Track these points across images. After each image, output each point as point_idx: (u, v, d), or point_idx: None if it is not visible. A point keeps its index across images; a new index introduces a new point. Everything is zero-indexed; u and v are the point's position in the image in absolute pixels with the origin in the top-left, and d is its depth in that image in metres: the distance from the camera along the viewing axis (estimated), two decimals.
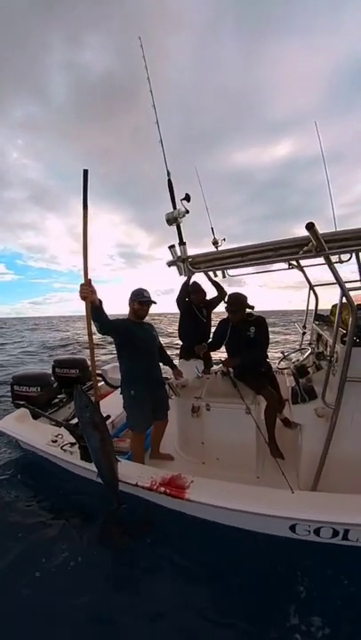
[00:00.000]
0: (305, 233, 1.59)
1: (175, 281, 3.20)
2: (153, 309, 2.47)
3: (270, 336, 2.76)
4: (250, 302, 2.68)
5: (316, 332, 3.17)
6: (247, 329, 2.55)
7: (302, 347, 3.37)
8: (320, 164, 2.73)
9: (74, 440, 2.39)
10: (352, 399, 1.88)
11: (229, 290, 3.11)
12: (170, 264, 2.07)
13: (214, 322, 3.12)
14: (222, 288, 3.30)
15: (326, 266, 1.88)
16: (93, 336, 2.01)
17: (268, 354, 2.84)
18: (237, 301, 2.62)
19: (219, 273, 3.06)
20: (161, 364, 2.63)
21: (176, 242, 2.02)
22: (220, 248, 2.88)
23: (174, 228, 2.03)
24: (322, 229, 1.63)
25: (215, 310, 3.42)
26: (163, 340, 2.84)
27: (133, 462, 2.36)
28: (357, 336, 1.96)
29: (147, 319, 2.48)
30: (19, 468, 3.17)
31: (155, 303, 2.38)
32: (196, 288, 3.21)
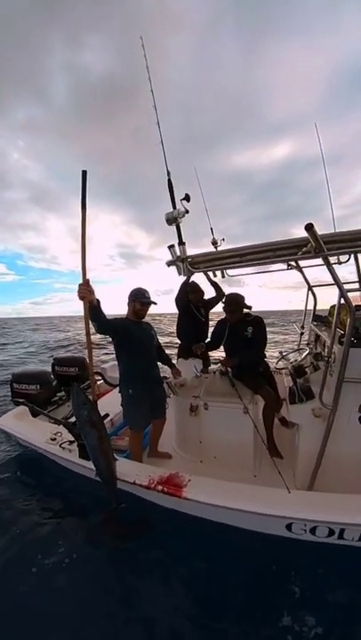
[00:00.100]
0: (304, 234, 1.59)
1: (175, 281, 3.19)
2: (153, 309, 2.47)
3: (269, 336, 2.76)
4: (249, 302, 2.68)
5: (315, 333, 3.17)
6: (245, 329, 2.55)
7: (300, 347, 3.36)
8: (319, 164, 2.73)
9: (72, 438, 2.39)
10: (349, 399, 1.88)
11: (229, 290, 3.11)
12: (169, 264, 2.07)
13: (213, 321, 3.11)
14: (220, 288, 3.31)
15: (325, 266, 1.88)
16: (94, 336, 2.00)
17: (267, 353, 2.84)
18: (235, 301, 2.62)
19: (218, 273, 3.06)
20: (159, 363, 2.63)
21: (176, 242, 2.02)
22: (219, 248, 2.88)
23: (174, 228, 2.03)
24: (321, 230, 1.63)
25: (214, 310, 3.42)
26: (163, 340, 2.84)
27: (131, 460, 2.36)
28: (355, 337, 1.95)
29: (147, 319, 2.49)
30: (17, 466, 3.17)
31: (155, 304, 2.38)
32: (195, 288, 3.21)
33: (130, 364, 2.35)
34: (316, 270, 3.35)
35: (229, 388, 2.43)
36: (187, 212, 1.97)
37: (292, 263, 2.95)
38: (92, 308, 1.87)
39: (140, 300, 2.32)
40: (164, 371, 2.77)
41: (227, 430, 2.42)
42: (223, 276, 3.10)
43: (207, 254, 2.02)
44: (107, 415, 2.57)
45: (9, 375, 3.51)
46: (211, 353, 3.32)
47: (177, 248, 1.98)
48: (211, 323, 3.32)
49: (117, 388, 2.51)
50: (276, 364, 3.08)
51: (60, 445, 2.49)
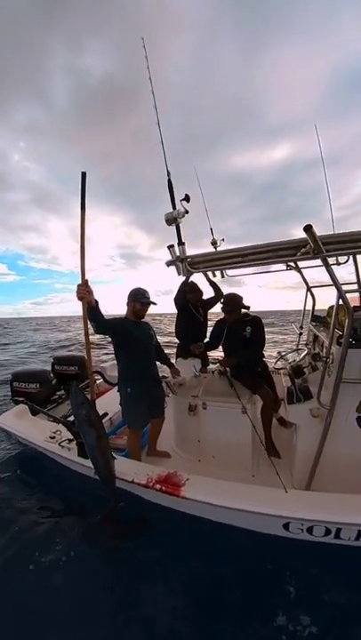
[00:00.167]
0: (303, 235, 1.59)
1: (174, 281, 3.19)
2: (154, 310, 2.49)
3: (269, 336, 2.76)
4: (249, 302, 2.68)
5: (313, 333, 3.17)
6: (243, 329, 2.55)
7: (299, 347, 3.36)
8: (318, 166, 2.73)
9: (72, 436, 2.39)
10: (347, 400, 1.89)
11: (229, 290, 3.11)
12: (169, 264, 2.06)
13: (212, 321, 3.11)
14: (219, 288, 3.31)
15: (324, 267, 1.88)
16: (95, 336, 2.01)
17: (266, 353, 2.84)
18: (233, 302, 2.62)
19: (217, 273, 3.06)
20: (159, 363, 2.63)
21: (175, 242, 2.02)
22: (218, 249, 2.87)
23: (174, 228, 2.03)
24: (320, 231, 1.63)
25: (213, 310, 3.42)
26: (163, 340, 2.84)
27: (130, 459, 2.36)
28: (353, 338, 1.95)
29: (147, 319, 2.49)
30: (17, 464, 3.17)
31: (155, 304, 2.39)
32: (193, 287, 3.21)
33: (129, 364, 2.35)
34: (315, 271, 3.35)
35: (228, 388, 2.43)
36: (186, 212, 1.96)
37: (291, 264, 2.94)
38: (91, 309, 1.88)
39: (139, 300, 2.32)
40: (163, 370, 2.77)
41: (225, 430, 2.42)
42: (223, 276, 3.10)
43: (206, 254, 2.01)
44: (105, 414, 2.57)
45: (10, 375, 3.51)
46: (210, 352, 3.32)
47: (176, 248, 1.98)
48: (210, 323, 3.33)
49: (116, 387, 2.51)
50: (275, 364, 3.08)
51: (59, 444, 2.48)
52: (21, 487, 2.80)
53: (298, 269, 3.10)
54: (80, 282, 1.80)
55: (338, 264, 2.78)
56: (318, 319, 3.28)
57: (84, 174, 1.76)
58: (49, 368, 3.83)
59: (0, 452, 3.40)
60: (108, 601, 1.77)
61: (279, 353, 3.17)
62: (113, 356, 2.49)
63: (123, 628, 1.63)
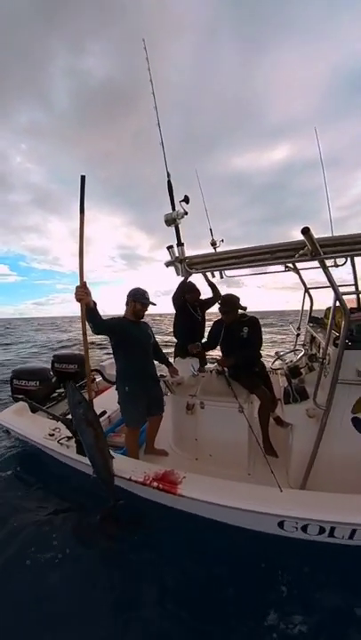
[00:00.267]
0: (302, 236, 1.59)
1: (174, 282, 3.21)
2: (154, 310, 2.50)
3: (268, 336, 2.77)
4: (248, 303, 2.68)
5: (310, 334, 3.17)
6: (240, 329, 2.55)
7: (296, 348, 3.37)
8: (317, 167, 2.73)
9: (70, 434, 2.40)
10: (342, 401, 1.89)
11: (228, 290, 3.12)
12: (168, 264, 2.06)
13: (210, 321, 3.12)
14: (217, 289, 3.31)
15: (331, 263, 1.87)
16: (97, 337, 2.02)
17: (265, 353, 2.85)
18: (230, 302, 2.62)
19: (216, 274, 3.06)
20: (157, 362, 2.64)
21: (174, 243, 2.02)
22: (218, 249, 2.88)
23: (173, 229, 2.03)
24: (318, 232, 1.63)
25: (211, 310, 3.43)
26: (163, 339, 2.85)
27: (127, 457, 2.37)
28: (350, 339, 1.96)
29: (147, 319, 2.51)
30: (16, 461, 3.19)
31: (154, 305, 2.40)
32: (191, 287, 3.21)
33: (127, 363, 2.36)
34: (313, 272, 3.36)
35: (225, 388, 2.43)
36: (186, 213, 1.97)
37: (290, 265, 2.95)
38: (89, 310, 1.89)
39: (140, 300, 2.34)
40: (162, 369, 2.78)
41: (222, 429, 2.42)
42: (221, 277, 3.11)
43: (205, 255, 2.02)
44: (104, 412, 2.57)
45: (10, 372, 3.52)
46: (209, 352, 3.32)
47: (175, 249, 1.98)
48: (209, 323, 3.33)
49: (115, 386, 2.52)
50: (272, 364, 3.09)
51: (58, 441, 2.49)
52: (20, 484, 2.81)
53: (296, 271, 3.10)
54: (78, 284, 1.81)
55: (336, 266, 2.78)
56: (316, 320, 3.28)
57: (83, 178, 1.76)
58: (49, 365, 3.83)
59: None
60: (104, 600, 1.77)
61: (277, 353, 3.17)
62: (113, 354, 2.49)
63: (117, 627, 1.64)
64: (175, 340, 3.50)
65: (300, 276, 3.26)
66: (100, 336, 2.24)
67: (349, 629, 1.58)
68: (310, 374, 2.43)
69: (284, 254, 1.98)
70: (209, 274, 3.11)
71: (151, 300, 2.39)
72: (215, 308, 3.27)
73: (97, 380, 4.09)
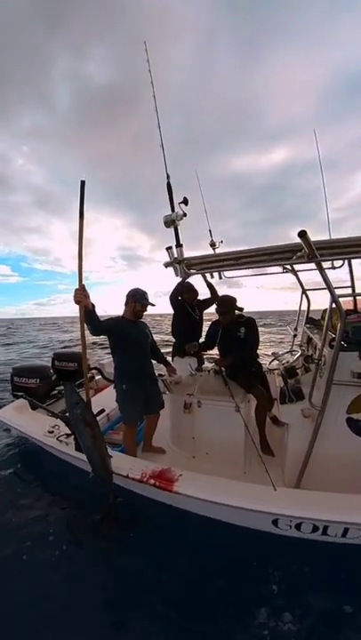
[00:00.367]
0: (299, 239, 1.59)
1: (174, 283, 3.22)
2: (155, 310, 2.54)
3: (267, 336, 2.79)
4: (247, 303, 2.69)
5: (307, 335, 3.18)
6: (238, 330, 2.56)
7: (293, 349, 3.38)
8: (315, 169, 2.74)
9: (70, 431, 2.41)
10: (337, 401, 1.90)
11: (228, 290, 3.13)
12: (167, 265, 2.07)
13: (209, 321, 3.13)
14: (215, 290, 3.32)
15: (329, 265, 1.86)
16: (98, 337, 2.05)
17: (263, 353, 2.86)
18: (227, 303, 2.63)
19: (215, 274, 3.07)
20: (155, 361, 2.65)
21: (173, 244, 2.02)
22: (217, 250, 2.88)
23: (172, 230, 2.04)
24: (316, 232, 1.64)
25: (209, 310, 3.44)
26: (163, 339, 2.86)
27: (125, 455, 2.38)
28: (345, 341, 1.97)
29: (148, 319, 2.52)
30: (15, 457, 3.20)
31: (153, 305, 2.42)
32: (189, 288, 3.22)
33: (125, 362, 2.37)
34: (312, 272, 3.36)
35: (223, 387, 2.44)
36: (185, 214, 1.97)
37: (288, 267, 2.95)
38: (88, 312, 1.91)
39: (140, 301, 2.35)
40: (160, 369, 2.79)
41: (219, 428, 2.44)
42: (220, 278, 3.12)
43: (204, 257, 2.02)
44: (103, 410, 2.59)
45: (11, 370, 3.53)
46: (208, 351, 3.33)
47: (174, 250, 1.98)
48: (208, 322, 3.35)
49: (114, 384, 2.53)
50: (270, 364, 3.10)
51: (57, 438, 2.50)
52: (19, 482, 2.81)
53: (294, 272, 3.11)
54: (77, 286, 1.83)
55: (333, 268, 2.79)
56: (313, 321, 3.29)
57: (82, 183, 1.76)
58: (49, 363, 3.84)
59: None
60: (99, 598, 1.78)
61: (274, 354, 3.18)
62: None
63: (111, 625, 1.64)
64: (174, 339, 3.51)
65: (298, 278, 3.27)
66: (101, 336, 2.25)
67: (338, 627, 1.59)
68: (307, 375, 2.44)
69: (282, 256, 1.99)
70: (208, 275, 3.12)
71: (151, 300, 2.40)
72: (212, 309, 3.29)
73: (96, 378, 4.10)
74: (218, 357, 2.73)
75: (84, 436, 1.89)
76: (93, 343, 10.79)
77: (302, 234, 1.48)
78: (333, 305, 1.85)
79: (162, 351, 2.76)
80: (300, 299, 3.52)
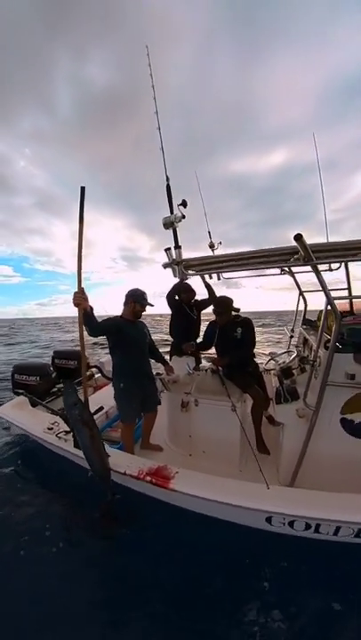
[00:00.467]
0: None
1: (174, 283, 3.22)
2: (155, 310, 2.56)
3: (266, 335, 2.79)
4: (247, 303, 2.71)
5: (303, 336, 3.19)
6: (234, 330, 2.57)
7: (289, 349, 3.39)
8: (313, 171, 2.74)
9: (69, 428, 2.42)
10: (331, 402, 1.91)
11: (228, 291, 3.14)
12: (165, 266, 2.08)
13: (207, 321, 3.14)
14: (213, 291, 3.33)
15: (326, 268, 1.86)
16: (96, 337, 2.08)
17: (262, 352, 2.86)
18: (223, 304, 2.64)
19: (214, 275, 3.07)
20: (153, 360, 2.66)
21: (172, 246, 2.03)
22: (216, 251, 2.89)
23: (171, 232, 2.04)
24: (315, 234, 1.64)
25: (207, 311, 3.44)
26: (163, 338, 2.87)
27: (123, 452, 2.39)
28: (340, 342, 1.98)
29: (148, 319, 2.53)
30: (15, 454, 3.21)
31: (152, 306, 2.43)
32: (187, 288, 3.23)
33: (123, 361, 2.39)
34: (310, 274, 3.35)
35: (219, 387, 2.45)
36: (183, 217, 1.98)
37: (285, 268, 2.96)
38: (86, 314, 1.93)
39: (140, 301, 2.36)
40: (159, 367, 2.79)
41: (215, 426, 2.44)
42: (219, 278, 3.12)
43: (202, 258, 2.03)
44: (101, 408, 2.59)
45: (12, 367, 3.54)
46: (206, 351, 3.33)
47: (173, 251, 1.99)
48: (201, 322, 3.36)
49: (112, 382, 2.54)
50: (266, 364, 3.11)
51: (56, 435, 2.51)
52: (19, 479, 2.82)
53: (291, 274, 3.12)
54: (77, 289, 1.85)
55: (330, 270, 2.79)
56: (309, 323, 3.30)
57: (83, 189, 1.75)
58: (49, 361, 3.85)
59: None
60: (94, 596, 1.78)
61: (271, 354, 3.19)
62: None
63: (105, 622, 1.65)
64: (172, 338, 3.51)
65: (295, 280, 3.27)
66: (99, 337, 2.26)
67: (327, 624, 1.60)
68: (302, 375, 2.45)
69: (279, 258, 1.99)
70: (206, 276, 3.12)
71: (151, 300, 2.42)
72: (209, 309, 3.29)
73: (96, 376, 4.11)
74: (215, 357, 2.74)
75: (83, 436, 1.90)
76: (94, 343, 10.79)
77: (298, 237, 1.49)
78: (329, 307, 1.86)
79: (161, 351, 2.77)
80: (297, 300, 3.53)
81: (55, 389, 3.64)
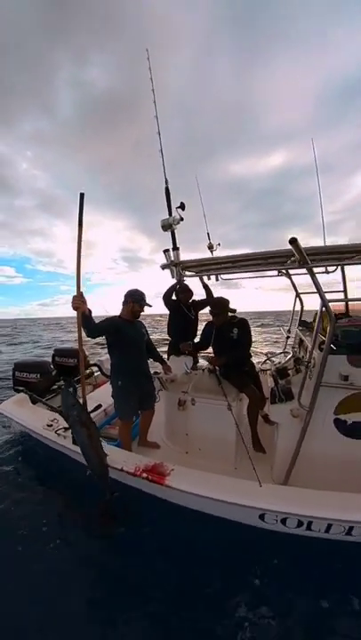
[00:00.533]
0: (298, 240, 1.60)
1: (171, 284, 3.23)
2: (156, 311, 2.62)
3: (265, 335, 2.80)
4: (247, 304, 2.72)
5: (299, 337, 3.20)
6: (230, 330, 2.58)
7: (286, 350, 3.40)
8: (312, 173, 2.75)
9: (68, 425, 2.44)
10: (325, 403, 1.92)
11: (227, 291, 3.15)
12: (163, 267, 2.09)
13: (205, 321, 3.15)
14: (211, 292, 3.34)
15: (322, 270, 1.86)
16: (94, 338, 2.12)
17: (260, 351, 2.87)
18: (220, 305, 2.65)
19: (212, 276, 3.08)
20: (152, 359, 2.67)
21: (170, 247, 2.04)
22: (215, 252, 2.90)
23: (170, 233, 2.06)
24: (314, 235, 1.65)
25: (205, 311, 3.45)
26: (163, 337, 2.87)
27: (121, 449, 2.41)
28: (335, 344, 1.98)
29: (148, 320, 2.55)
30: (15, 450, 3.23)
31: (150, 306, 2.45)
32: (185, 288, 3.24)
33: (122, 359, 2.40)
34: (306, 275, 3.35)
35: (216, 386, 2.47)
36: (181, 219, 1.99)
37: (283, 270, 2.96)
38: (85, 317, 1.97)
39: (138, 302, 2.38)
40: (157, 366, 2.81)
41: (211, 425, 2.46)
42: (217, 279, 3.13)
43: (199, 260, 2.04)
44: (100, 406, 2.61)
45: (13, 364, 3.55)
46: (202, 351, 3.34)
47: (171, 253, 2.01)
48: (198, 322, 3.38)
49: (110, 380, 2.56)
50: (262, 364, 3.12)
51: (55, 431, 2.53)
52: (18, 475, 2.83)
53: (288, 276, 3.12)
54: (75, 294, 1.88)
55: (327, 272, 2.80)
56: (305, 324, 3.31)
57: (82, 195, 1.76)
58: (49, 359, 3.87)
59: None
60: (87, 594, 1.79)
61: (267, 354, 3.20)
62: None
63: (101, 620, 1.65)
64: (170, 338, 3.52)
65: (292, 281, 3.28)
66: (97, 338, 2.29)
67: (314, 621, 1.61)
68: (297, 376, 2.46)
69: (275, 261, 2.00)
70: (205, 277, 3.13)
71: (152, 301, 2.44)
72: (206, 310, 3.30)
73: (96, 374, 4.13)
74: (212, 357, 2.75)
75: (81, 436, 1.93)
76: (96, 344, 10.81)
77: (293, 241, 1.49)
78: (324, 309, 1.87)
79: (160, 350, 2.78)
80: (293, 301, 3.53)
81: (55, 387, 3.66)
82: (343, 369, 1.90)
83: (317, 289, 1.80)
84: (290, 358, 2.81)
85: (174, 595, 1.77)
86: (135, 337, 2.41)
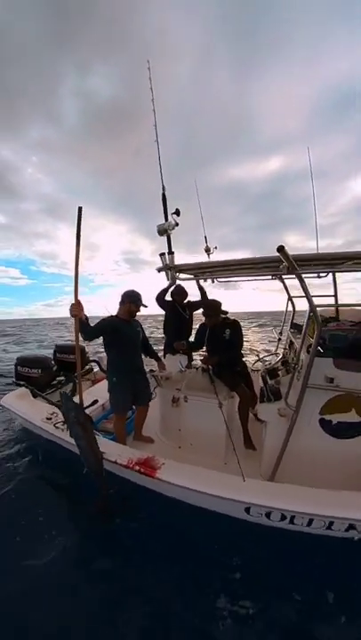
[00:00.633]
0: (294, 242, 1.64)
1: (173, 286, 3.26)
2: (155, 312, 2.72)
3: (262, 335, 2.82)
4: (245, 304, 2.76)
5: (290, 339, 3.24)
6: (223, 331, 2.62)
7: (277, 351, 3.43)
8: (307, 178, 2.78)
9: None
10: (311, 403, 1.95)
11: (225, 292, 3.19)
12: (159, 270, 2.13)
13: (198, 321, 3.19)
14: (205, 294, 3.37)
15: (310, 274, 1.89)
16: (91, 340, 2.25)
17: (258, 349, 2.91)
18: (212, 307, 2.69)
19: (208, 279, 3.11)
20: (148, 357, 2.72)
21: (166, 251, 2.07)
22: (212, 255, 2.93)
23: (166, 237, 2.09)
24: (311, 237, 1.67)
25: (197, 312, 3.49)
26: (162, 336, 2.90)
27: (116, 443, 2.45)
28: (322, 347, 2.02)
29: (149, 320, 2.59)
30: (15, 442, 3.28)
31: (146, 307, 2.51)
32: (180, 290, 3.29)
33: (118, 357, 2.45)
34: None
35: (208, 384, 2.51)
36: (176, 224, 2.02)
37: (276, 274, 2.99)
38: (82, 323, 2.05)
39: (135, 302, 2.43)
40: (153, 365, 2.85)
41: (203, 422, 2.50)
42: (213, 282, 3.16)
43: (193, 264, 2.07)
44: (96, 401, 2.66)
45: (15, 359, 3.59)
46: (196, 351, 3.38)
47: (166, 257, 2.04)
48: (193, 322, 3.42)
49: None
50: (253, 365, 3.15)
51: (54, 425, 2.58)
52: (18, 469, 2.86)
53: (281, 279, 3.14)
54: (74, 302, 1.94)
55: (319, 277, 2.82)
56: (296, 326, 3.34)
57: (80, 209, 1.77)
58: (51, 355, 3.91)
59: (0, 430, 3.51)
60: (92, 593, 1.78)
61: (258, 355, 3.23)
62: None
63: (100, 619, 1.64)
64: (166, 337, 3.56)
65: (285, 285, 3.29)
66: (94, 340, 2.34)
67: (294, 613, 1.64)
68: (286, 377, 2.49)
69: (266, 266, 2.04)
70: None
71: (149, 302, 2.52)
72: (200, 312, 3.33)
73: (95, 370, 4.18)
74: (205, 356, 2.79)
75: (79, 437, 1.97)
76: (100, 343, 10.85)
77: (280, 248, 1.52)
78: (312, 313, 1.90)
79: (157, 348, 2.83)
80: (285, 304, 3.56)
81: (55, 382, 3.71)
82: (329, 371, 1.93)
83: (306, 294, 1.83)
84: (280, 359, 2.84)
85: (175, 587, 1.78)
86: (131, 335, 2.46)
